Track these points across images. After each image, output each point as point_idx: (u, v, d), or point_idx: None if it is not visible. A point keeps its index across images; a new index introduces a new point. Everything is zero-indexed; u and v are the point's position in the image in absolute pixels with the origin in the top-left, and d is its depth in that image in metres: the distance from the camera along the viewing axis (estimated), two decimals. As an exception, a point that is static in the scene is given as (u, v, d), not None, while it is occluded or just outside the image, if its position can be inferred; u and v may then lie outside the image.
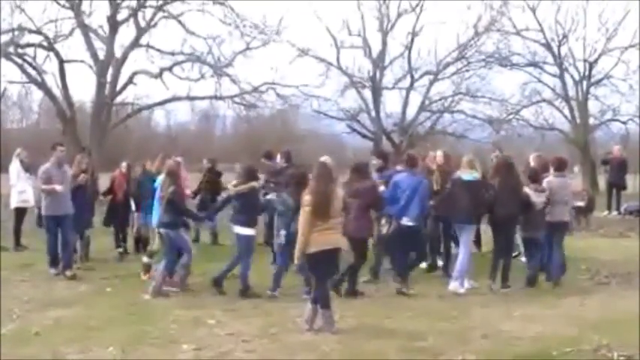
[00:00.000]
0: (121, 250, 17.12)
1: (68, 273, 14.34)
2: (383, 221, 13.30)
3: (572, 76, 42.04)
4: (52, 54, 33.26)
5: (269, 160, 19.08)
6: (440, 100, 41.72)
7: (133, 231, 17.31)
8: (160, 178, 13.64)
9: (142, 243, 16.73)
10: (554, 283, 13.74)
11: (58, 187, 14.41)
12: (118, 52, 34.48)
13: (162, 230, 13.07)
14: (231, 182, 13.84)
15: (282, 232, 12.62)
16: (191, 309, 11.55)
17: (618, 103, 42.01)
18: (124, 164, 17.56)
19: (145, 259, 14.54)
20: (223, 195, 16.39)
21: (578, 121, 41.64)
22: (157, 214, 13.44)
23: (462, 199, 13.23)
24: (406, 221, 12.94)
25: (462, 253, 13.41)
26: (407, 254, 13.35)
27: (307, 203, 9.97)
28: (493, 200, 13.37)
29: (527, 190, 13.75)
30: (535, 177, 14.12)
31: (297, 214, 11.67)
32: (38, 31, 32.96)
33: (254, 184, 13.19)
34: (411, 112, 41.59)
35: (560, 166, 14.50)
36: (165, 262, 13.00)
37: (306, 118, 48.17)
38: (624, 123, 42.51)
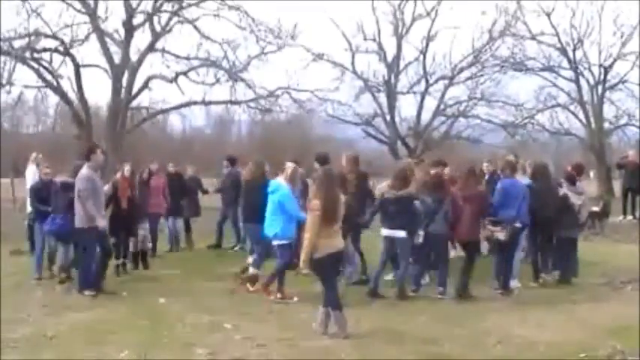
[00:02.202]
0: (119, 262, 15.38)
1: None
2: (495, 227, 13.38)
3: (587, 81, 42.08)
4: (67, 58, 33.45)
5: (232, 166, 19.39)
6: (455, 104, 41.69)
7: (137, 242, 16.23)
8: (277, 184, 12.95)
9: (141, 257, 16.26)
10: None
11: (102, 223, 13.21)
12: (134, 57, 34.68)
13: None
14: (381, 185, 13.73)
15: (421, 233, 12.96)
16: (206, 313, 11.56)
17: (634, 107, 41.93)
18: (127, 167, 15.82)
19: (251, 269, 13.77)
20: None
21: (593, 125, 41.56)
22: (274, 225, 12.83)
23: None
24: (519, 224, 13.47)
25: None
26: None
27: (316, 208, 9.99)
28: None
29: (566, 191, 14.65)
30: (572, 179, 15.02)
31: (435, 215, 12.82)
32: (54, 36, 33.14)
33: (412, 189, 13.24)
34: (426, 116, 41.75)
35: (580, 171, 15.75)
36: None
37: (321, 122, 48.22)
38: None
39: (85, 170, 13.16)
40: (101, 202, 13.43)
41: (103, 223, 13.23)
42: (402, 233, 12.80)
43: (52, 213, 14.21)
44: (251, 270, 13.78)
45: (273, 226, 12.82)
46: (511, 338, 10.05)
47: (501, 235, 13.31)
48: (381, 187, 13.67)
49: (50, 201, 14.50)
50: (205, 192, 21.07)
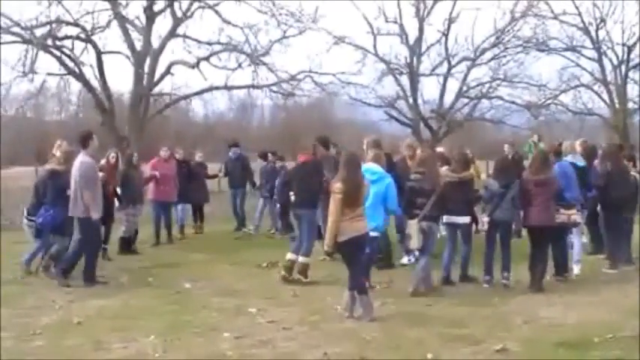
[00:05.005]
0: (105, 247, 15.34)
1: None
2: (570, 210, 12.97)
3: (610, 60, 41.70)
4: (89, 46, 33.39)
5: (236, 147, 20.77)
6: (477, 86, 41.45)
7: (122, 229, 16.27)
8: (380, 172, 11.86)
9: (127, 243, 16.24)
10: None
11: (95, 215, 12.83)
12: (155, 43, 34.60)
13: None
14: (443, 170, 13.38)
15: (485, 219, 12.77)
16: (232, 298, 11.63)
17: (658, 86, 41.49)
18: (112, 154, 16.00)
19: (302, 259, 12.93)
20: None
21: (617, 105, 41.28)
22: (376, 217, 11.69)
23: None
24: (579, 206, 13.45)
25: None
26: None
27: (338, 191, 9.97)
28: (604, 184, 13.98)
29: (635, 173, 14.62)
30: (635, 160, 15.09)
31: (501, 201, 12.37)
32: (75, 24, 33.10)
33: (472, 172, 13.19)
34: (448, 98, 41.50)
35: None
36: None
37: (343, 106, 48.20)
38: (664, 107, 42.07)
39: (84, 158, 12.85)
40: (99, 192, 13.09)
41: (96, 215, 12.87)
42: (458, 218, 12.71)
43: (44, 204, 13.53)
44: (302, 259, 12.97)
45: (374, 217, 11.18)
46: (537, 319, 10.04)
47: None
48: (443, 170, 13.30)
49: None
50: (212, 177, 21.31)
